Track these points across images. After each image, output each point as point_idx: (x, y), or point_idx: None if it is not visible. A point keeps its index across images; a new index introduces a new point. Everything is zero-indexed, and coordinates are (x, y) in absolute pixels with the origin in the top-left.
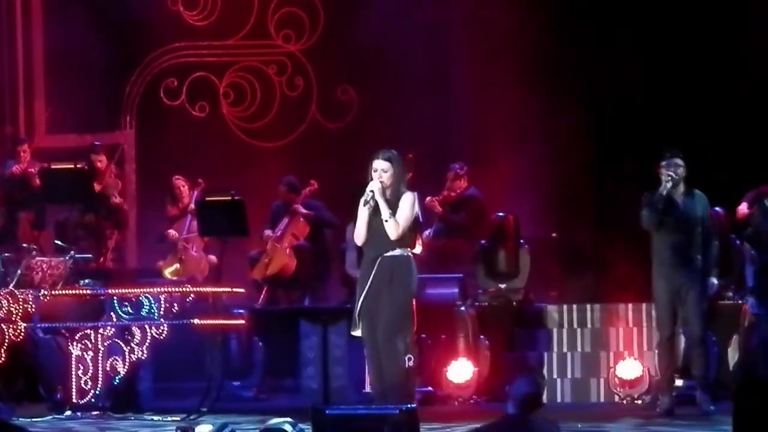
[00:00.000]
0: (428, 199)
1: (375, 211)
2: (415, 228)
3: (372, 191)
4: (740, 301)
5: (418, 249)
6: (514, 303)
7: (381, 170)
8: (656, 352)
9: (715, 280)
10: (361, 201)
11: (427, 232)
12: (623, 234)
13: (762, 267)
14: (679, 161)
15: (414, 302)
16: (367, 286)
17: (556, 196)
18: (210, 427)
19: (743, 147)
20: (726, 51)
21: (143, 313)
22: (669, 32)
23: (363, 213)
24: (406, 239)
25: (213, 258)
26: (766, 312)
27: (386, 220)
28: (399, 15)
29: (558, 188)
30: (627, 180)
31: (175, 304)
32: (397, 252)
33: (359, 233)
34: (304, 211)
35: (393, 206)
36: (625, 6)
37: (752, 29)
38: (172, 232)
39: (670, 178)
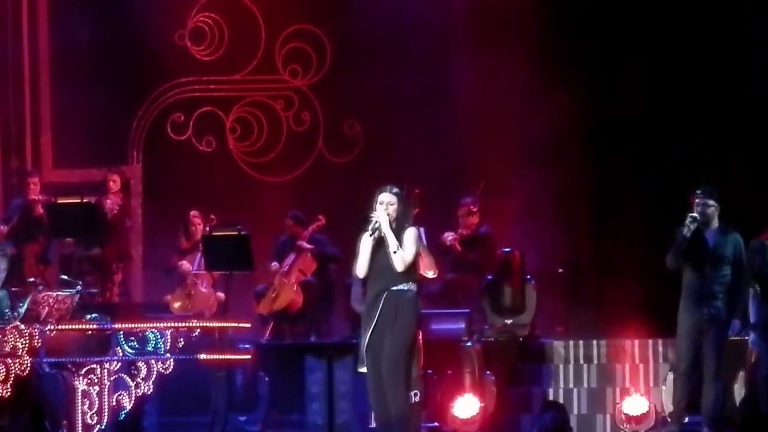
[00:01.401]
0: (450, 238)
1: (378, 244)
2: (415, 261)
3: (378, 221)
4: (746, 338)
5: (433, 274)
6: (521, 338)
7: (387, 203)
8: (669, 384)
9: (738, 322)
10: (367, 231)
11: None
12: (630, 269)
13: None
14: (711, 201)
15: (420, 337)
16: (372, 323)
17: (558, 224)
18: None
19: (743, 148)
20: (726, 52)
21: (149, 348)
22: (671, 35)
23: (366, 244)
24: (411, 273)
25: (221, 295)
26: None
27: (394, 252)
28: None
29: (560, 216)
30: (631, 212)
31: (181, 339)
32: (402, 286)
33: (361, 265)
34: (307, 246)
35: (397, 241)
36: (625, 10)
37: (753, 28)
38: (185, 264)
39: (693, 219)
